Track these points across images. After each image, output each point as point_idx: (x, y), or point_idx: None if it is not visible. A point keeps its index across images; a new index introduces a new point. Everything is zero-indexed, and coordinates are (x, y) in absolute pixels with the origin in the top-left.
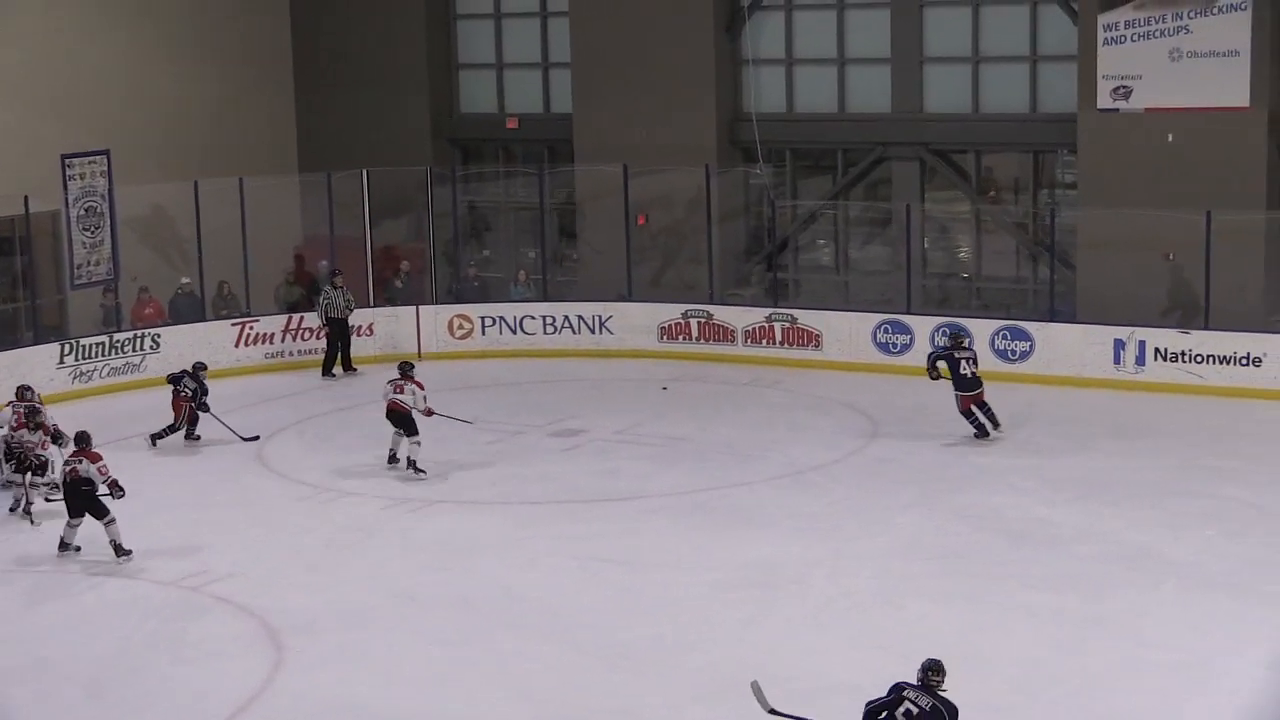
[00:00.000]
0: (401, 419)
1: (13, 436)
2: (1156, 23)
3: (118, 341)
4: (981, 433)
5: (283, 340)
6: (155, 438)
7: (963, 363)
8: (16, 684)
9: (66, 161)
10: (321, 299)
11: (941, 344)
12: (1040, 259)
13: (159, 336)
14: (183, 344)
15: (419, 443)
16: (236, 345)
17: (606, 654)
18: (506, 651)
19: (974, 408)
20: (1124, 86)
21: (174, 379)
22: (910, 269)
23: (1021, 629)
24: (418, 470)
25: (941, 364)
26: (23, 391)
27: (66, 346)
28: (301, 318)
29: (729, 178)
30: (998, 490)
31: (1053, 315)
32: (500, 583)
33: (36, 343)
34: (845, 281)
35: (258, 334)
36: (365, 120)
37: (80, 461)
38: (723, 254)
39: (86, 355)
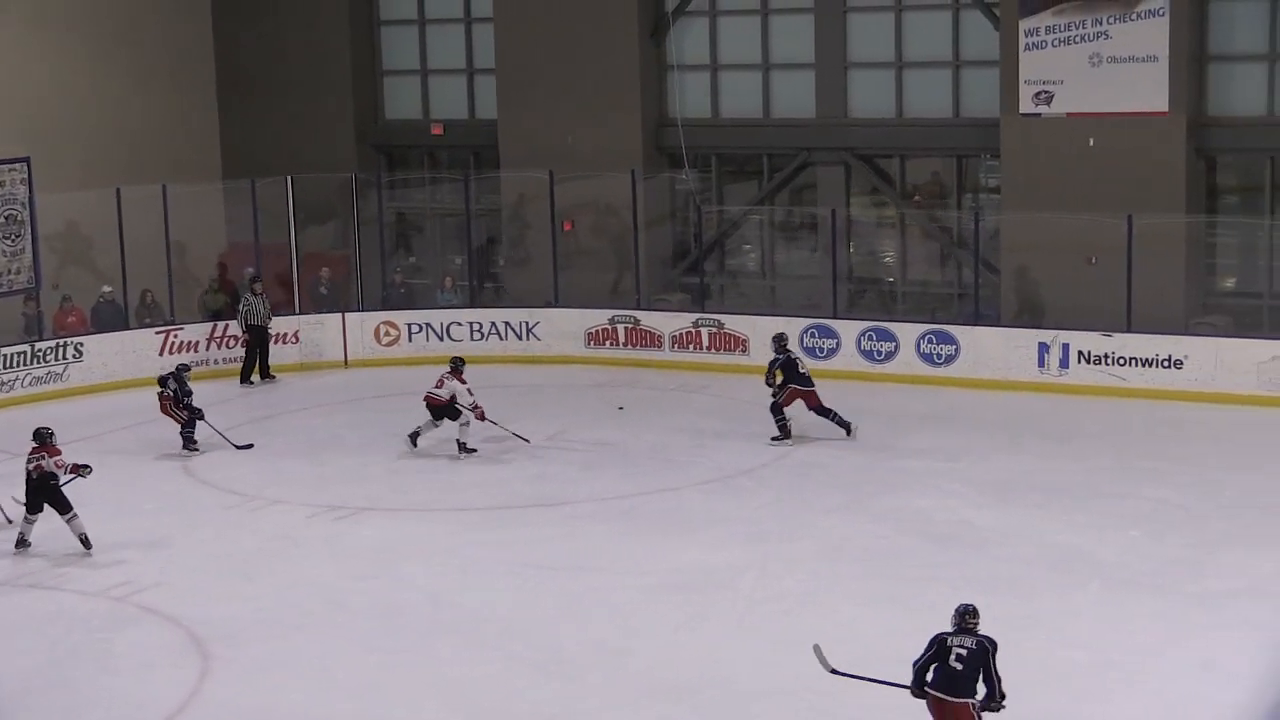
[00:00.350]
0: (440, 409)
1: None
2: (1077, 28)
3: (40, 350)
4: (845, 425)
5: (207, 348)
6: (189, 443)
7: (798, 363)
8: None
9: None
10: (242, 306)
11: (778, 354)
12: (964, 263)
13: (81, 345)
14: (106, 352)
15: (467, 422)
16: (160, 353)
17: (541, 659)
18: (440, 658)
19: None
20: (1045, 91)
21: (161, 381)
22: (836, 273)
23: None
24: (468, 450)
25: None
26: None
27: None
28: (226, 325)
29: (655, 183)
30: (924, 493)
31: (977, 319)
32: (431, 590)
33: None
34: (772, 286)
35: (182, 342)
36: (289, 127)
37: (42, 458)
38: (649, 259)
39: (8, 365)
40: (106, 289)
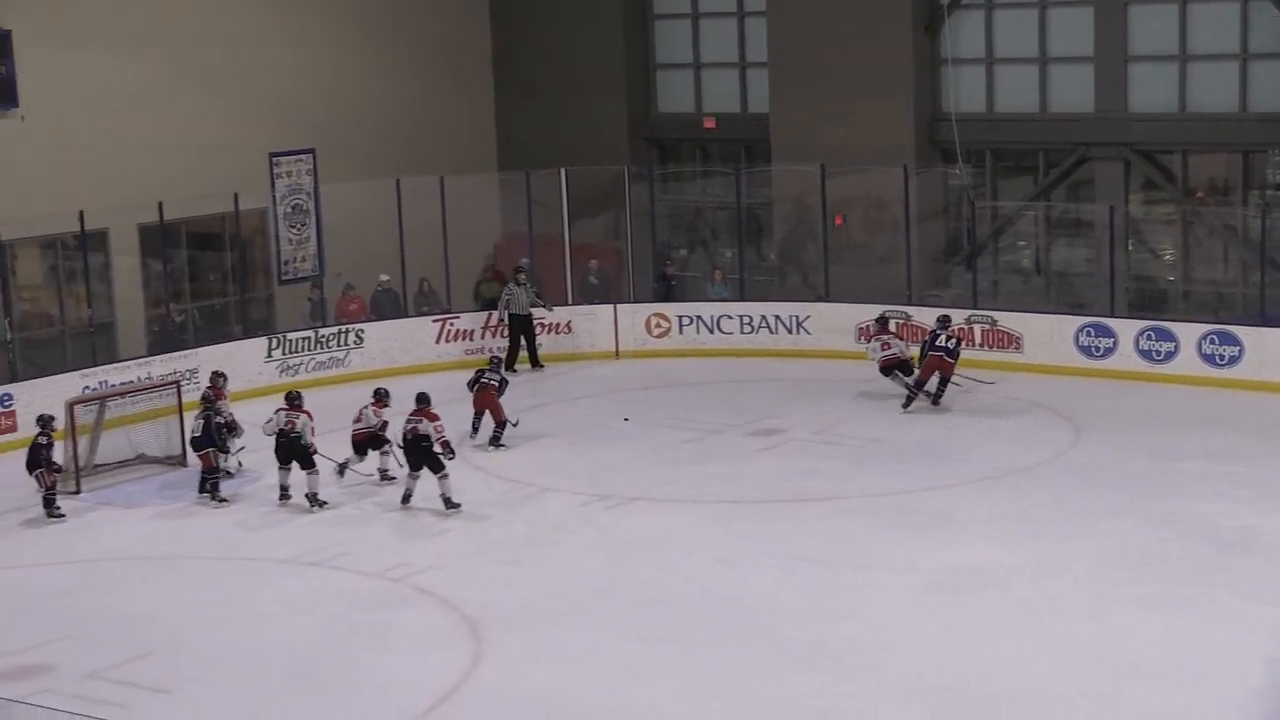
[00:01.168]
0: (363, 444)
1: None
2: None
3: (323, 336)
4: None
5: (481, 336)
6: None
7: (941, 336)
8: (226, 667)
9: (274, 160)
10: (504, 294)
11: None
12: (1250, 262)
13: (362, 332)
14: (386, 339)
15: (388, 452)
16: (437, 341)
17: (805, 654)
18: (702, 650)
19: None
20: None
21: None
22: (1114, 272)
23: (1229, 640)
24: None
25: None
26: (215, 378)
27: (274, 341)
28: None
29: (927, 178)
30: (1207, 497)
31: (1264, 319)
32: (697, 581)
33: (245, 336)
34: (1046, 284)
35: (457, 330)
36: (564, 120)
37: (420, 421)
38: (921, 255)
39: (293, 349)
40: (384, 277)
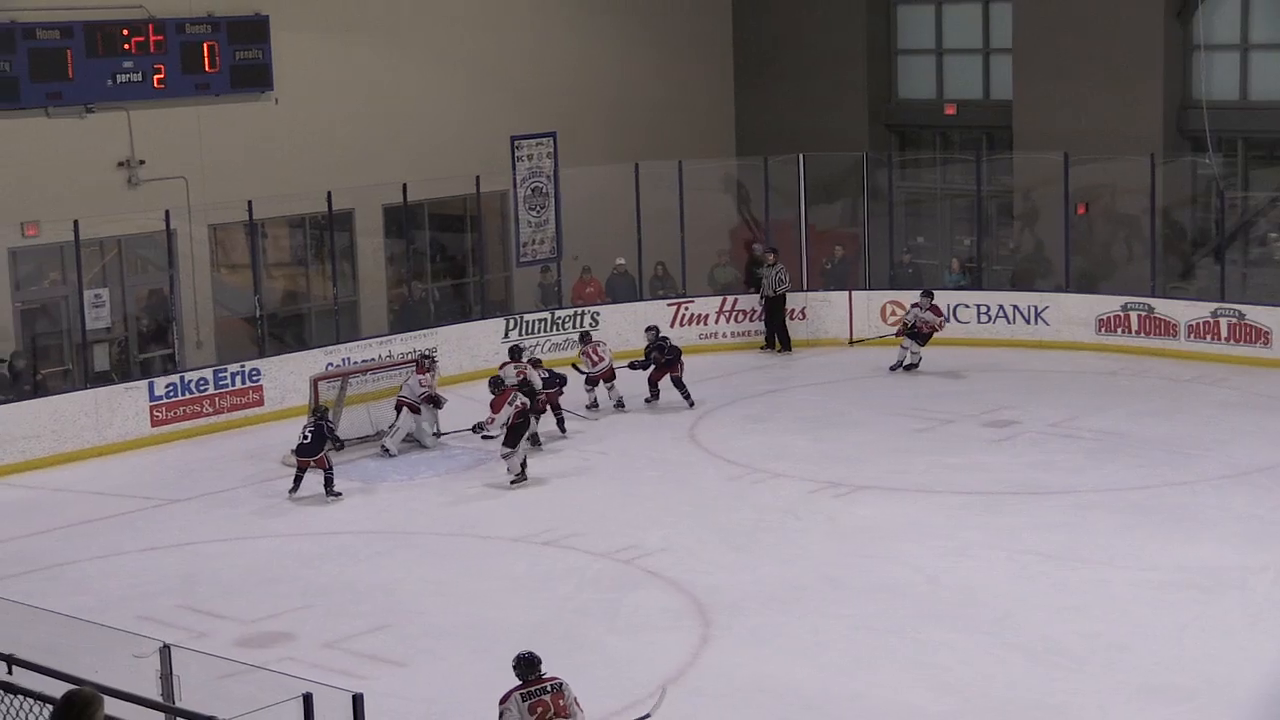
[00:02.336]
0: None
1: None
2: None
3: (558, 318)
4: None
5: (716, 321)
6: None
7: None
8: (458, 642)
9: (515, 143)
10: (762, 275)
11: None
12: None
13: (598, 314)
14: (620, 322)
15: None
16: (672, 325)
17: (1036, 649)
18: (933, 641)
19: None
20: None
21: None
22: None
23: None
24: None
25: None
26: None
27: (511, 321)
28: (735, 299)
29: (1174, 167)
30: None
31: None
32: (926, 572)
33: (483, 317)
34: None
35: (692, 314)
36: (803, 105)
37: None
38: (1166, 246)
39: (529, 330)
40: (621, 261)
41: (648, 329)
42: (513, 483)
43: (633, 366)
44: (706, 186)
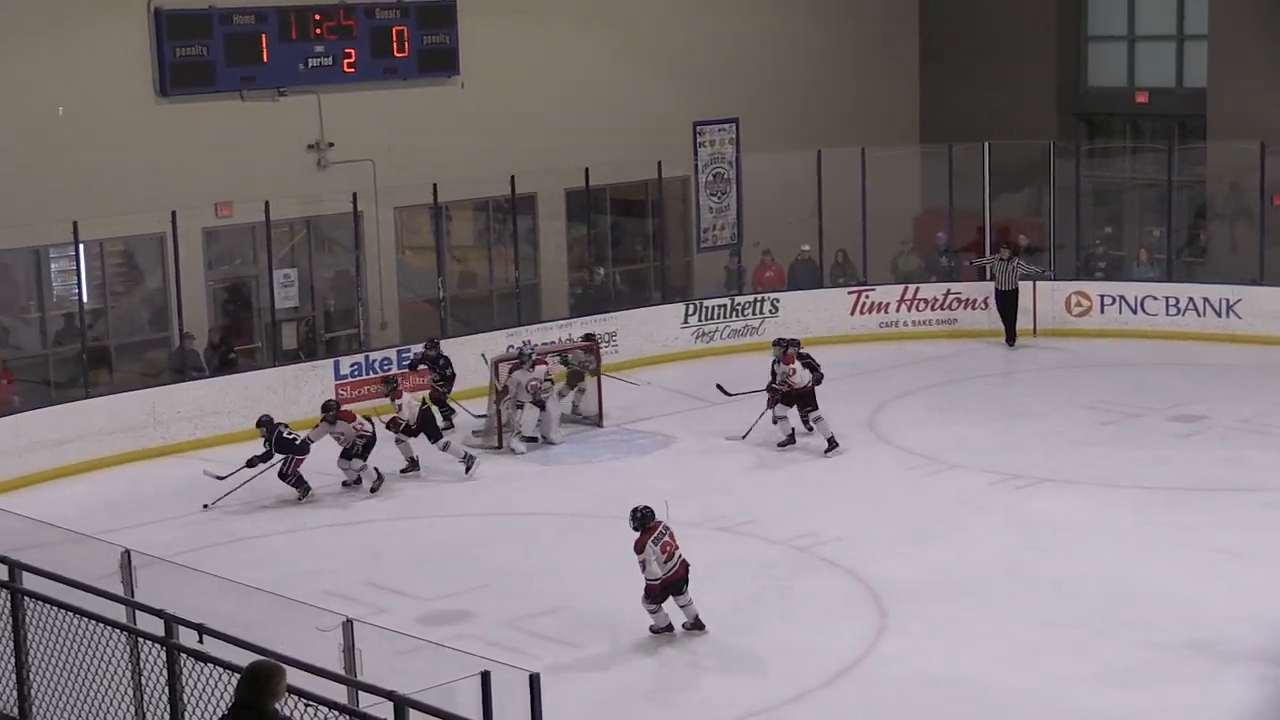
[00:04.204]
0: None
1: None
2: None
3: (739, 304)
4: None
5: (897, 310)
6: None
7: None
8: (633, 625)
9: (698, 129)
10: (992, 268)
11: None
12: None
13: (778, 301)
14: (801, 309)
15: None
16: (851, 313)
17: (1221, 651)
18: (1112, 637)
19: None
20: None
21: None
22: None
23: None
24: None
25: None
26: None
27: (691, 307)
28: (917, 288)
29: None
30: None
31: None
32: (1107, 567)
33: (663, 302)
34: None
35: (873, 303)
36: (989, 92)
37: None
38: None
39: (709, 316)
40: (805, 247)
41: (775, 342)
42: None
43: (769, 389)
44: (890, 173)
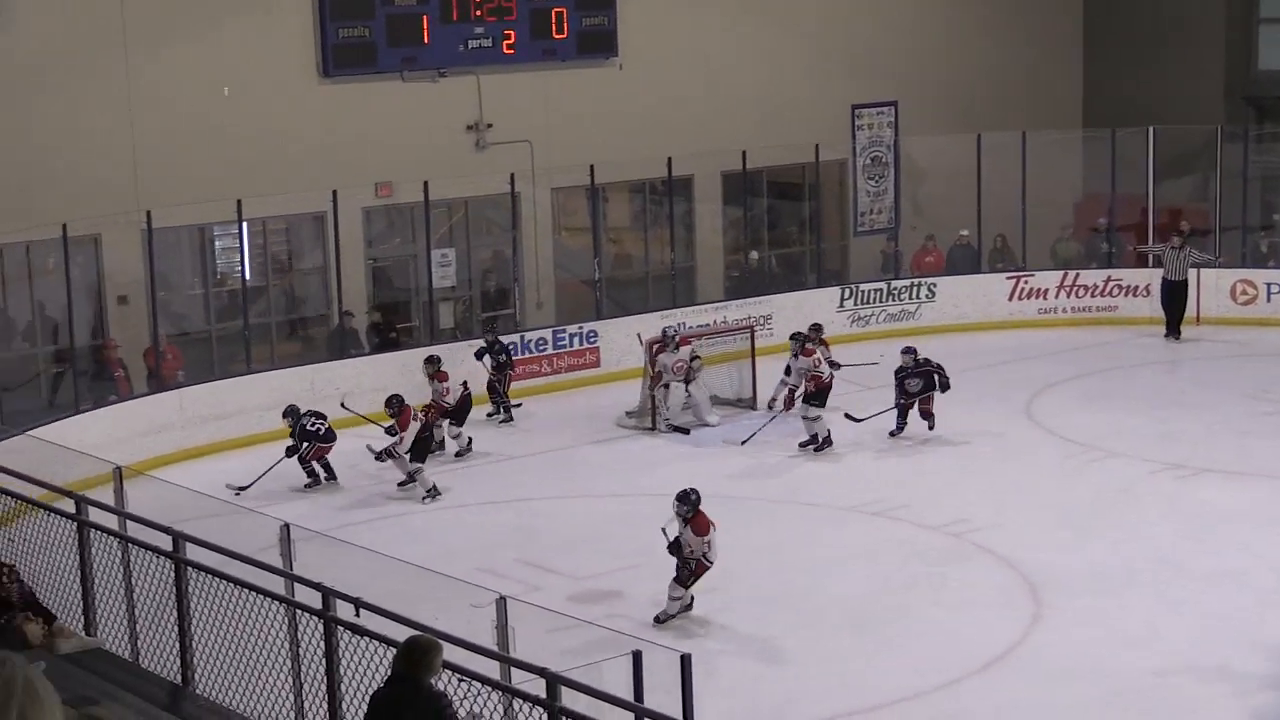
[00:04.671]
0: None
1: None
2: None
3: (895, 289)
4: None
5: (1056, 296)
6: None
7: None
8: (787, 608)
9: (856, 112)
10: (1164, 257)
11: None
12: None
13: (935, 286)
14: (958, 294)
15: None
16: (1010, 299)
17: None
18: (1271, 632)
19: None
20: None
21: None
22: None
23: None
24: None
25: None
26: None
27: (846, 291)
28: (1077, 274)
29: None
30: None
31: None
32: (1268, 560)
33: (819, 285)
34: None
35: (1031, 288)
36: (1154, 76)
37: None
38: None
39: (865, 300)
40: (964, 232)
41: (905, 350)
42: (425, 498)
43: (896, 406)
44: (1051, 158)
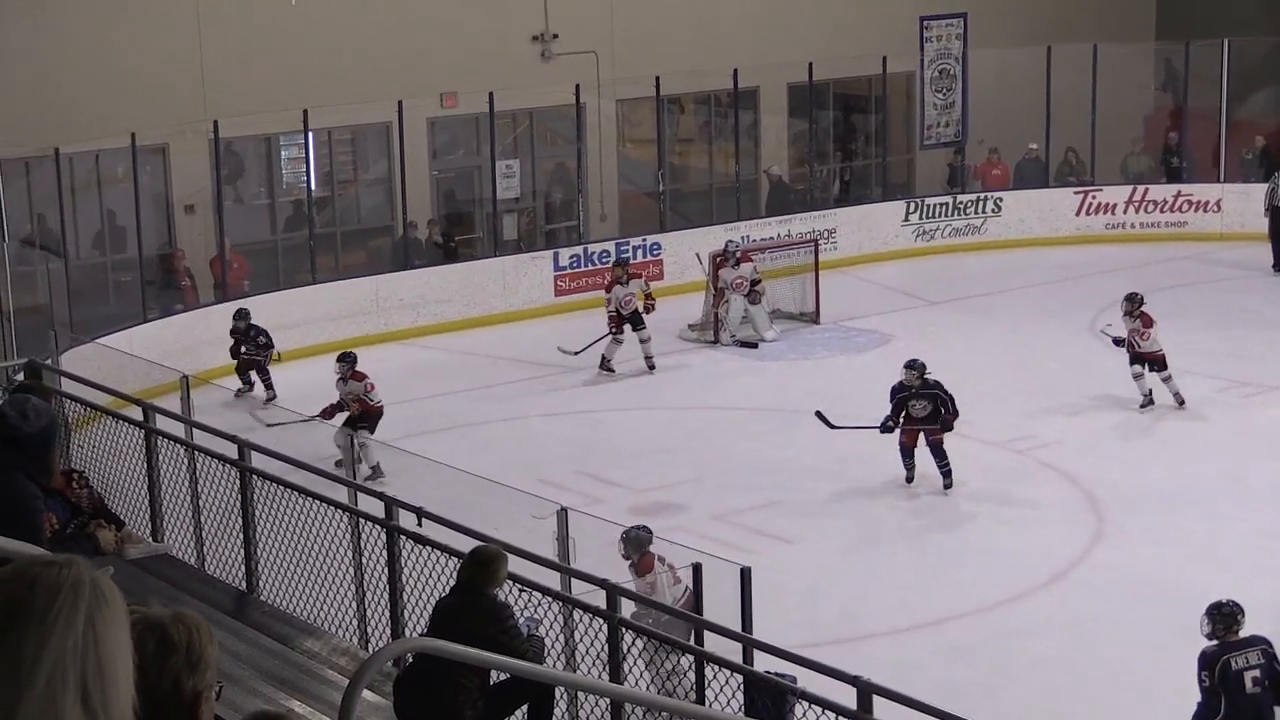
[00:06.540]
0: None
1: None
2: None
3: (961, 203)
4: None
5: (1125, 211)
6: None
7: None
8: (843, 523)
9: (924, 24)
10: (1270, 184)
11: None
12: None
13: (1001, 200)
14: (1024, 209)
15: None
16: (1077, 214)
17: None
18: None
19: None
20: None
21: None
22: None
23: None
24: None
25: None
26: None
27: (911, 205)
28: (1146, 189)
29: None
30: None
31: None
32: None
33: (883, 199)
34: None
35: (1099, 203)
36: None
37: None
38: None
39: (930, 215)
40: (1033, 146)
41: (909, 364)
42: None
43: (883, 429)
44: (1122, 70)
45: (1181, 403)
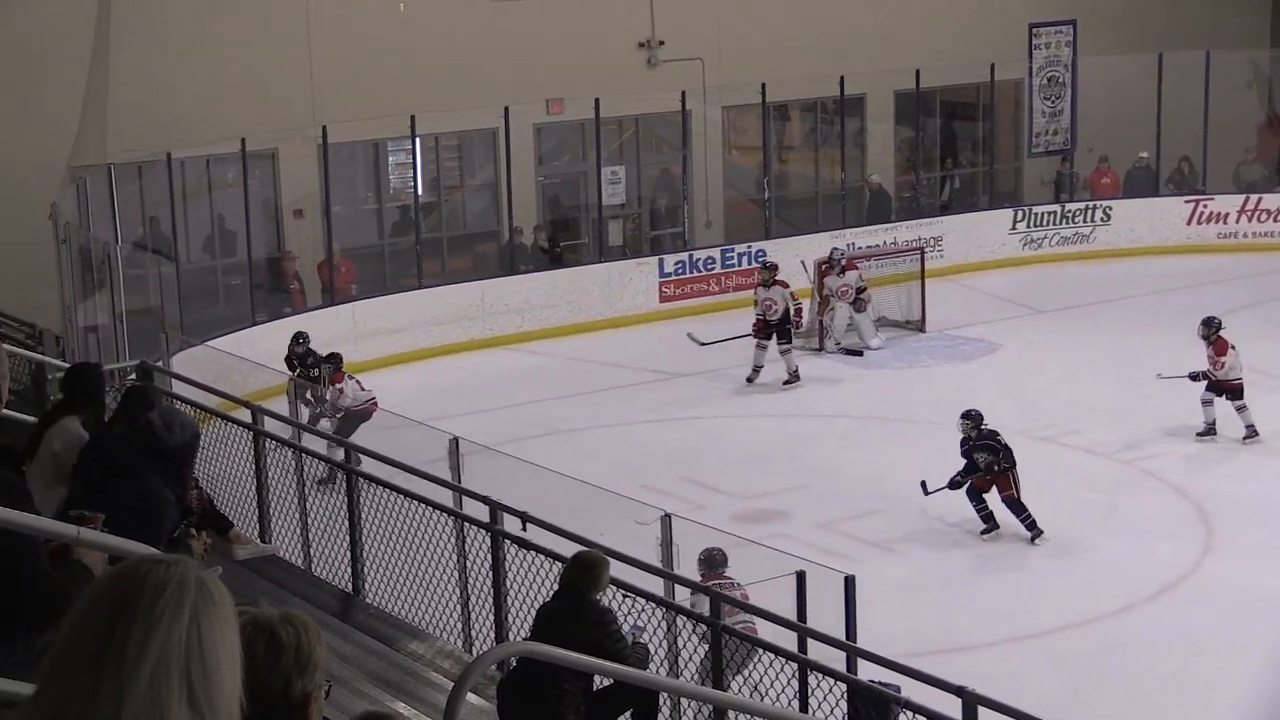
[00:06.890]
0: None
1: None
2: None
3: (1069, 211)
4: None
5: (1237, 220)
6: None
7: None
8: (946, 532)
9: (1034, 31)
10: None
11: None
12: None
13: (1110, 209)
14: (1134, 217)
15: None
16: (1188, 223)
17: None
18: None
19: None
20: None
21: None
22: None
23: None
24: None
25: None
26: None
27: (1019, 213)
28: (1260, 199)
29: None
30: None
31: None
32: None
33: (991, 207)
34: None
35: (1211, 213)
36: None
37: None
38: None
39: (1038, 223)
40: (1144, 154)
41: (966, 415)
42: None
43: (953, 485)
44: (1235, 78)
45: (1249, 436)
